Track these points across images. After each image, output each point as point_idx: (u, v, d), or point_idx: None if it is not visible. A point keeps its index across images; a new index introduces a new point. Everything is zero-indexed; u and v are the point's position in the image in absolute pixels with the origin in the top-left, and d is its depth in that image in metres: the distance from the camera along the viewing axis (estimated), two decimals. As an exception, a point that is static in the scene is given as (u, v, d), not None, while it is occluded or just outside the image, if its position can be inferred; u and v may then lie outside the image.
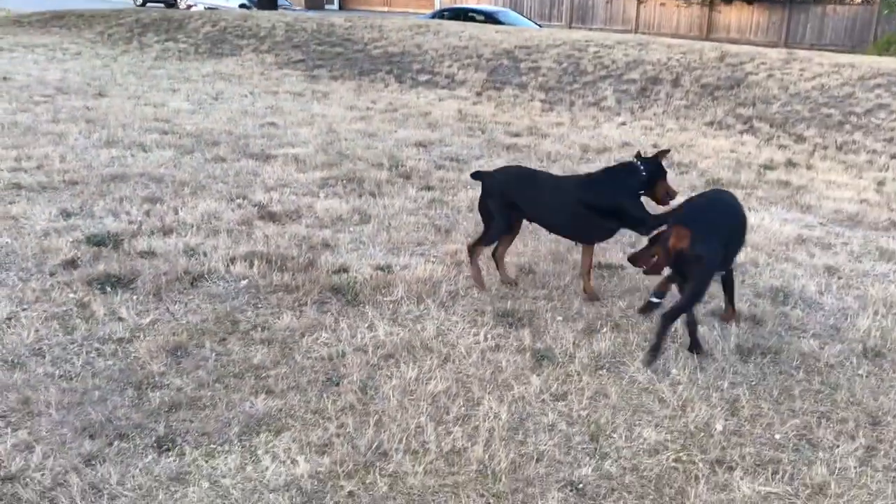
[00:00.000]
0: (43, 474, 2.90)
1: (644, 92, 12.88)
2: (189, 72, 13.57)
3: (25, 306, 4.21)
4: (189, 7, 31.78)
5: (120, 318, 4.14)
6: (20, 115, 9.04)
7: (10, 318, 4.07)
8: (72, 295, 4.37)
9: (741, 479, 3.12)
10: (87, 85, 11.51)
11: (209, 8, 27.98)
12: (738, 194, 7.46)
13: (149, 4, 34.36)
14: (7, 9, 23.47)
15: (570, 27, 29.15)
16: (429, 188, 7.04)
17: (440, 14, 24.40)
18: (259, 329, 4.14)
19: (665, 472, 3.15)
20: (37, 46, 15.94)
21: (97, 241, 5.12)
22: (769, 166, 8.96)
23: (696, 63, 14.02)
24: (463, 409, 3.50)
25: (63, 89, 11.03)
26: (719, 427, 3.48)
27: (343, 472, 3.02)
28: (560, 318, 4.46)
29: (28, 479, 2.87)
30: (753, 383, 3.89)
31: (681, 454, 3.27)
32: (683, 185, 7.79)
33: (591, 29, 27.56)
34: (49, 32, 18.67)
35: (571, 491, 3.00)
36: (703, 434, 3.42)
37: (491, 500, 2.92)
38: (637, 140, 9.83)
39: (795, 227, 6.54)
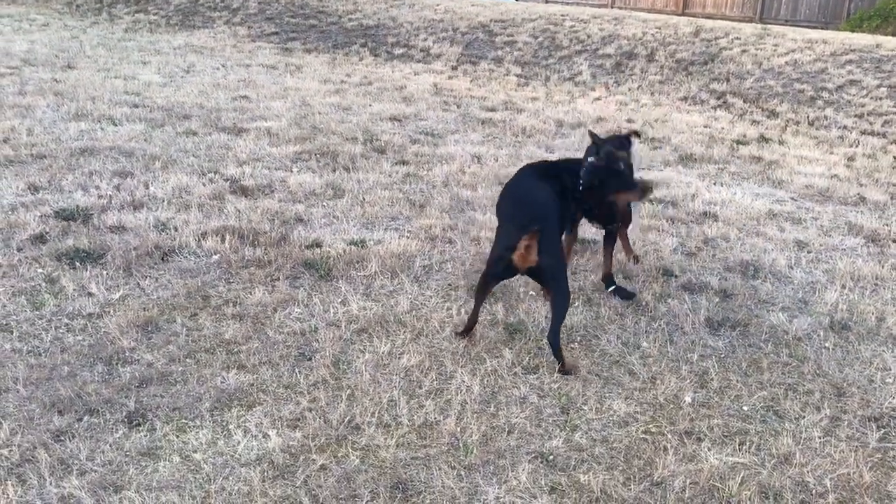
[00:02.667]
0: (11, 450, 2.88)
1: (619, 67, 12.88)
2: (160, 44, 13.36)
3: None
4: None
5: (89, 294, 4.09)
6: (-14, 87, 8.86)
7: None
8: (40, 270, 4.32)
9: (709, 449, 3.17)
10: (55, 57, 11.29)
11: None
12: (711, 169, 7.53)
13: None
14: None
15: (546, 1, 28.99)
16: (403, 163, 7.01)
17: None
18: (231, 304, 4.11)
19: (634, 443, 3.19)
20: (2, 17, 15.60)
21: (66, 216, 5.05)
22: (742, 141, 9.02)
23: (671, 38, 14.03)
24: (435, 382, 3.51)
25: (30, 61, 10.81)
26: (688, 399, 3.52)
27: (315, 445, 3.02)
28: (533, 292, 4.48)
29: (-4, 456, 2.85)
30: (723, 356, 3.94)
31: (650, 426, 3.31)
32: (657, 160, 7.84)
33: (566, 3, 27.42)
34: (15, 2, 18.26)
35: (542, 462, 3.03)
36: (672, 406, 3.47)
37: (462, 473, 2.94)
38: (611, 114, 9.85)
39: (767, 202, 6.60)
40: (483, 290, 3.83)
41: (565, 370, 3.64)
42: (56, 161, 6.22)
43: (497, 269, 3.67)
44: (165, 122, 7.74)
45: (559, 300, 3.65)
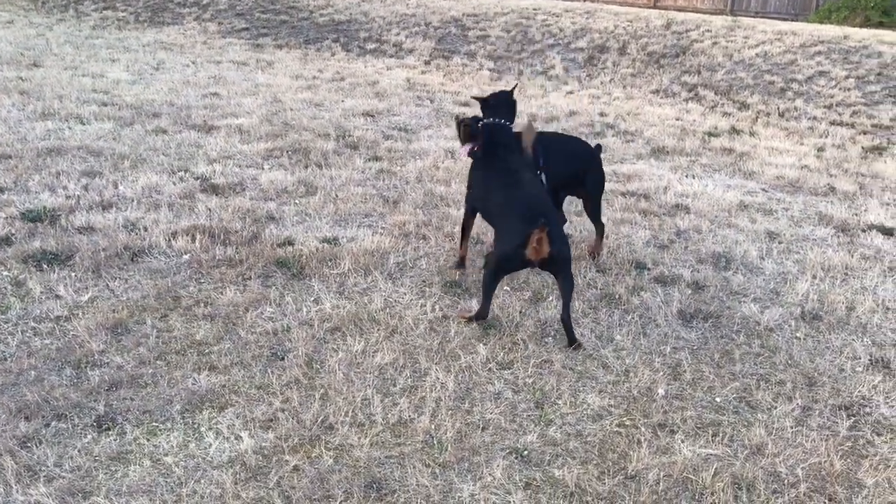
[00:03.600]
0: (-23, 458, 2.82)
1: (591, 60, 12.92)
2: (129, 41, 13.19)
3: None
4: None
5: (57, 296, 4.03)
6: (-51, 86, 8.70)
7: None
8: (6, 273, 4.24)
9: (682, 441, 3.18)
10: (20, 55, 11.11)
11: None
12: (683, 162, 7.57)
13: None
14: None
15: (519, -5, 29.02)
16: (376, 159, 6.98)
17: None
18: (202, 304, 4.07)
19: (608, 436, 3.20)
20: (-33, 15, 15.33)
21: (32, 217, 4.97)
22: (713, 133, 9.09)
23: (643, 31, 14.09)
24: (410, 380, 3.50)
25: (-5, 59, 10.63)
26: (661, 391, 3.54)
27: (288, 446, 3.00)
28: (507, 287, 4.47)
29: (-39, 463, 2.79)
30: (695, 348, 3.96)
31: (624, 419, 3.32)
32: (629, 154, 7.87)
33: (539, -3, 27.45)
34: (-20, 0, 17.95)
35: (516, 458, 3.02)
36: (645, 399, 3.48)
37: (437, 470, 2.93)
38: (584, 108, 9.87)
39: (738, 194, 6.65)
40: (495, 285, 3.96)
41: (578, 345, 3.85)
42: (22, 161, 6.11)
43: (511, 265, 3.86)
44: (134, 121, 7.64)
45: (568, 284, 3.83)
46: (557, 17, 15.18)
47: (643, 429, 3.26)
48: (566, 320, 3.84)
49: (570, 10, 16.15)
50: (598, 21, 14.76)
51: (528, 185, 4.00)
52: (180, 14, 16.08)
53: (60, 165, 6.08)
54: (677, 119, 9.77)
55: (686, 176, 7.16)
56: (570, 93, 11.04)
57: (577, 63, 12.79)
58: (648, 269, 4.87)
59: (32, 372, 3.37)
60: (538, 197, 3.93)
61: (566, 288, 3.82)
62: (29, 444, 2.91)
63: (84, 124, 7.40)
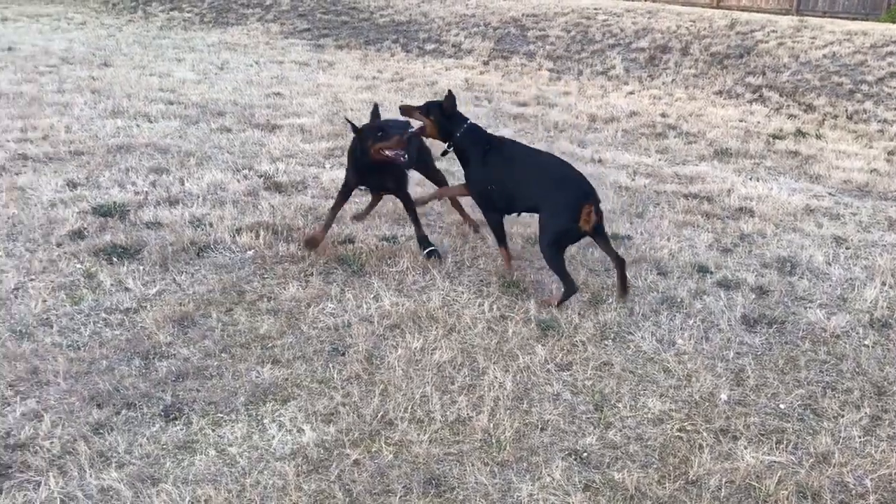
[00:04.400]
0: (52, 442, 2.93)
1: (653, 60, 12.76)
2: (194, 41, 13.50)
3: (33, 277, 4.22)
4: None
5: (126, 289, 4.15)
6: (25, 85, 9.02)
7: (17, 289, 4.09)
8: (79, 265, 4.39)
9: (745, 448, 3.13)
10: (91, 55, 11.46)
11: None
12: (747, 164, 7.43)
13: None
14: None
15: (579, -5, 28.79)
16: (435, 158, 6.99)
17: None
18: (265, 299, 4.15)
19: (669, 441, 3.16)
20: (41, 16, 15.87)
21: (103, 212, 5.13)
22: (778, 136, 8.89)
23: (706, 31, 13.86)
24: (468, 378, 3.51)
25: (68, 59, 10.99)
26: (724, 397, 3.48)
27: (349, 440, 3.04)
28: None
29: (37, 447, 2.90)
30: (759, 353, 3.89)
31: (685, 424, 3.28)
32: (691, 156, 7.75)
33: (599, -3, 27.22)
34: (53, 2, 18.57)
35: (575, 459, 3.01)
36: (707, 404, 3.43)
37: (495, 469, 2.93)
38: (645, 109, 9.76)
39: (804, 198, 6.50)
40: (563, 260, 4.31)
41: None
42: (94, 158, 6.32)
43: (569, 239, 4.34)
44: (200, 119, 7.82)
45: (608, 241, 4.41)
46: (618, 16, 15.04)
47: (705, 434, 3.21)
48: (622, 271, 4.34)
49: (632, 9, 15.97)
50: (660, 21, 14.57)
51: (556, 165, 4.43)
52: (244, 15, 16.39)
53: (129, 162, 6.26)
54: (741, 121, 9.59)
55: (750, 179, 7.03)
56: (631, 93, 10.92)
57: (639, 63, 12.65)
58: (711, 273, 4.79)
59: (104, 361, 3.48)
60: (572, 172, 4.36)
61: (609, 245, 4.38)
62: (101, 431, 3.01)
63: (152, 122, 7.60)
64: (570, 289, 4.22)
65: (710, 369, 3.70)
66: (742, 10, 18.11)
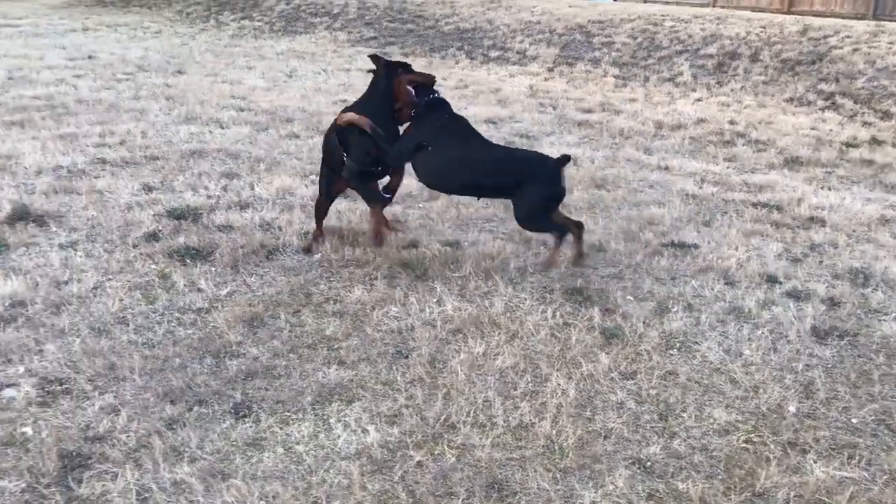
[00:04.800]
0: (128, 436, 3.04)
1: (721, 67, 12.54)
2: (264, 50, 13.81)
3: (110, 276, 4.39)
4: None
5: (199, 289, 4.28)
6: (104, 92, 9.37)
7: (96, 288, 4.26)
8: (153, 266, 4.54)
9: (815, 462, 3.06)
10: (166, 62, 11.83)
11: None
12: (819, 173, 7.25)
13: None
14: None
15: (645, 1, 28.47)
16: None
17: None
18: (331, 301, 4.23)
19: (735, 452, 3.11)
20: (119, 25, 16.44)
21: (177, 215, 5.30)
22: (852, 144, 8.64)
23: (777, 37, 13.56)
24: (530, 384, 3.52)
25: (144, 67, 11.37)
26: (792, 409, 3.41)
27: (412, 442, 3.08)
28: (630, 297, 4.42)
29: (115, 440, 3.02)
30: (829, 366, 3.80)
31: (752, 435, 3.22)
32: (761, 164, 7.60)
33: (666, 2, 26.86)
34: (130, 11, 19.23)
35: (639, 468, 2.99)
36: (775, 416, 3.36)
37: (558, 475, 2.93)
38: (713, 116, 9.61)
39: (878, 207, 6.31)
40: (552, 215, 4.71)
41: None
42: (168, 162, 6.53)
43: (556, 201, 4.69)
44: (269, 126, 8.01)
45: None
46: (686, 23, 14.82)
47: (772, 446, 3.15)
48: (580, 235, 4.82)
49: (700, 16, 15.73)
50: (729, 27, 14.31)
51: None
52: (312, 24, 16.70)
53: (202, 167, 6.45)
54: (812, 128, 9.36)
55: (822, 188, 6.86)
56: (699, 100, 10.76)
57: (706, 70, 12.45)
58: (780, 284, 4.70)
59: (177, 359, 3.60)
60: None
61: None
62: (174, 427, 3.12)
63: (223, 128, 7.81)
64: (570, 227, 4.73)
65: (778, 381, 3.63)
66: (815, 16, 17.65)
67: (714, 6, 18.43)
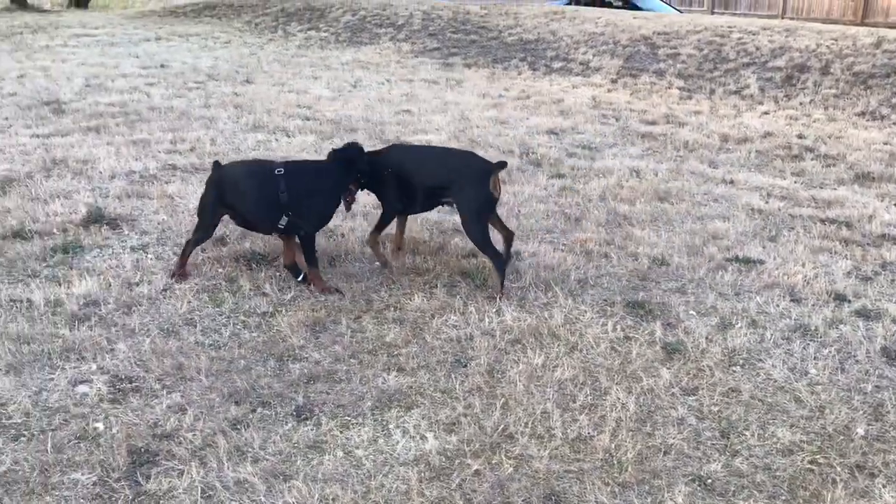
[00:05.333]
0: (194, 434, 3.13)
1: (790, 80, 12.28)
2: (330, 60, 14.03)
3: (180, 279, 4.52)
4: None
5: (264, 293, 4.38)
6: (175, 100, 9.65)
7: (166, 290, 4.39)
8: (221, 270, 4.66)
9: (884, 486, 2.97)
10: (235, 72, 12.12)
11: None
12: (892, 189, 7.04)
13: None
14: None
15: (713, 12, 28.03)
16: (559, 176, 7.01)
17: (576, 0, 24.06)
18: (391, 308, 4.28)
19: (799, 473, 3.04)
20: (191, 35, 16.90)
21: (244, 221, 5.42)
22: (928, 160, 8.35)
23: (849, 50, 13.22)
24: (590, 397, 3.50)
25: (214, 76, 11.66)
26: (861, 431, 3.32)
27: (470, 450, 3.09)
28: (693, 312, 4.37)
29: (181, 438, 3.11)
30: (901, 388, 3.68)
31: (817, 456, 3.15)
32: (829, 179, 7.41)
33: (734, 14, 26.44)
34: (201, 22, 19.75)
35: (699, 485, 2.95)
36: (842, 437, 3.28)
37: (616, 489, 2.91)
38: (781, 129, 9.41)
39: (955, 226, 6.09)
40: (488, 232, 4.54)
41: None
42: (235, 169, 6.68)
43: (490, 207, 4.58)
44: (334, 135, 8.13)
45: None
46: (754, 34, 14.55)
47: (839, 468, 3.08)
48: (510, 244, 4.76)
49: (768, 27, 15.43)
50: (799, 39, 14.00)
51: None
52: (377, 34, 16.91)
53: (268, 174, 6.58)
54: (886, 143, 9.08)
55: (894, 204, 6.65)
56: (766, 113, 10.55)
57: (774, 83, 12.20)
58: (849, 302, 4.58)
59: (242, 361, 3.69)
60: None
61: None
62: (238, 427, 3.19)
63: (289, 137, 7.97)
64: (501, 261, 4.52)
65: (845, 401, 3.54)
66: (889, 27, 17.16)
67: (783, 18, 18.07)
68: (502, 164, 4.56)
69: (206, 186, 4.56)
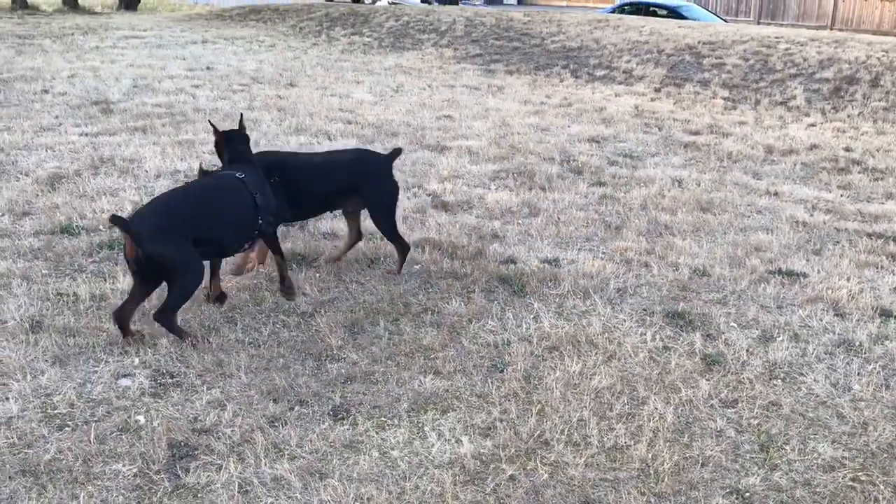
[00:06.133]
0: (232, 430, 3.17)
1: (838, 92, 12.07)
2: (372, 65, 14.14)
3: (221, 277, 4.58)
4: (374, 2, 33.01)
5: (304, 293, 4.42)
6: (220, 102, 9.80)
7: (206, 288, 4.45)
8: (262, 269, 4.71)
9: (928, 507, 2.91)
10: (279, 75, 12.27)
11: (393, 3, 28.93)
12: (942, 204, 6.89)
13: None
14: (211, 3, 25.37)
15: (759, 23, 27.70)
16: (600, 184, 6.98)
17: (620, 8, 23.94)
18: (429, 312, 4.29)
19: (840, 490, 2.99)
20: (236, 38, 17.16)
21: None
22: (980, 175, 8.15)
23: (900, 61, 12.96)
24: (627, 406, 3.48)
25: (258, 79, 11.82)
26: (906, 450, 3.25)
27: (505, 455, 3.09)
28: (734, 324, 4.31)
29: (220, 434, 3.15)
30: (948, 408, 3.60)
31: (859, 473, 3.08)
32: (878, 193, 7.27)
33: (781, 24, 26.10)
34: (247, 25, 20.04)
35: (737, 499, 2.91)
36: (886, 455, 3.21)
37: (652, 499, 2.89)
38: (827, 142, 9.26)
39: None
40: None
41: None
42: (278, 171, 6.76)
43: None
44: (375, 139, 8.19)
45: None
46: (802, 45, 14.35)
47: (882, 487, 3.01)
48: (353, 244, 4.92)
49: (817, 38, 15.20)
50: (848, 51, 13.77)
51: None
52: (419, 40, 17.00)
53: (310, 176, 6.65)
54: (936, 158, 8.88)
55: (944, 220, 6.50)
56: (812, 125, 10.39)
57: (822, 94, 12.00)
58: (895, 318, 4.48)
59: (280, 360, 3.73)
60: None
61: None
62: (276, 424, 3.23)
63: (331, 140, 8.04)
64: (405, 247, 4.75)
65: (890, 419, 3.46)
66: (943, 40, 16.77)
67: (832, 29, 17.77)
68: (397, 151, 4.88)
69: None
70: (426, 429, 3.25)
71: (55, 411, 3.28)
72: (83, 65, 12.49)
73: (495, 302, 4.46)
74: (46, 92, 10.04)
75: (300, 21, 19.84)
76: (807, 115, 11.07)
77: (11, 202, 5.69)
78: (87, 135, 7.85)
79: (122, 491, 2.83)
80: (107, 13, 24.84)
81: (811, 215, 6.36)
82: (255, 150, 4.50)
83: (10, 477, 2.87)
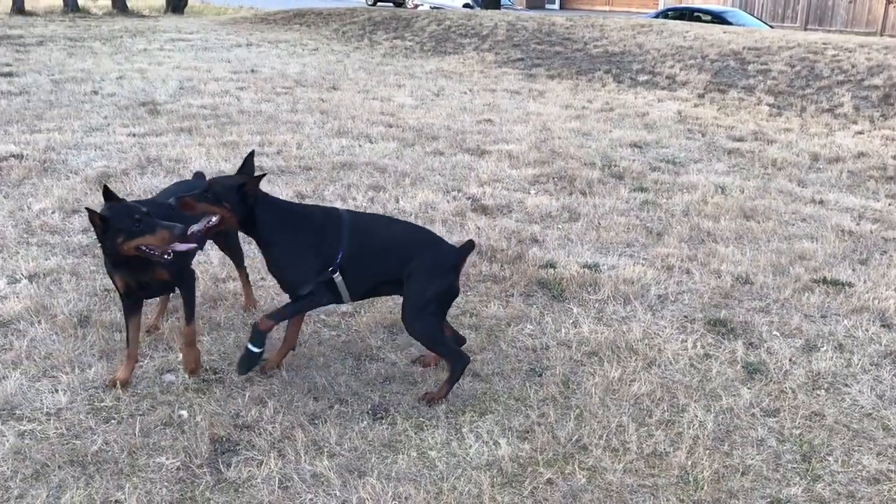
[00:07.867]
0: (274, 427, 3.22)
1: (887, 99, 11.83)
2: (414, 69, 14.20)
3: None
4: (416, 7, 33.18)
5: (343, 294, 4.46)
6: (264, 104, 9.93)
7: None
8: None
9: (977, 523, 2.84)
10: (322, 78, 12.39)
11: (434, 7, 29.06)
12: None
13: (379, 4, 36.22)
14: (255, 8, 25.72)
15: (806, 28, 27.27)
16: (642, 189, 6.93)
17: (664, 13, 23.76)
18: (467, 315, 4.30)
19: (885, 503, 2.94)
20: (280, 42, 17.36)
21: (326, 223, 5.53)
22: None
23: (953, 68, 12.67)
24: (667, 413, 3.45)
25: (301, 82, 11.95)
26: (954, 465, 3.18)
27: (543, 459, 3.09)
28: (777, 332, 4.26)
29: (261, 430, 3.20)
30: None
31: (906, 488, 3.03)
32: (928, 202, 7.11)
33: (829, 30, 25.66)
34: (291, 29, 20.26)
35: (778, 509, 2.88)
36: (933, 470, 3.15)
37: (691, 507, 2.86)
38: (875, 150, 9.08)
39: None
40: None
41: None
42: (320, 173, 6.84)
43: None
44: (415, 142, 8.23)
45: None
46: (850, 52, 14.09)
47: (929, 502, 2.95)
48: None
49: (866, 45, 14.91)
50: (898, 57, 13.49)
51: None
52: (461, 44, 17.03)
53: (351, 178, 6.72)
54: None
55: None
56: (860, 133, 10.19)
57: (870, 101, 11.77)
58: (941, 330, 4.38)
59: (321, 359, 3.78)
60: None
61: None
62: (316, 422, 3.27)
63: (372, 143, 8.10)
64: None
65: (938, 433, 3.39)
66: None
67: (882, 35, 17.41)
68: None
69: None
70: (464, 430, 3.26)
71: (102, 404, 3.36)
72: (131, 66, 12.74)
73: (534, 306, 4.46)
74: (96, 93, 10.27)
75: (343, 25, 20.01)
76: (854, 122, 10.87)
77: (62, 200, 5.83)
78: (134, 135, 8.01)
79: (166, 483, 2.89)
80: (154, 16, 25.31)
81: (858, 224, 6.24)
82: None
83: (59, 466, 2.95)
